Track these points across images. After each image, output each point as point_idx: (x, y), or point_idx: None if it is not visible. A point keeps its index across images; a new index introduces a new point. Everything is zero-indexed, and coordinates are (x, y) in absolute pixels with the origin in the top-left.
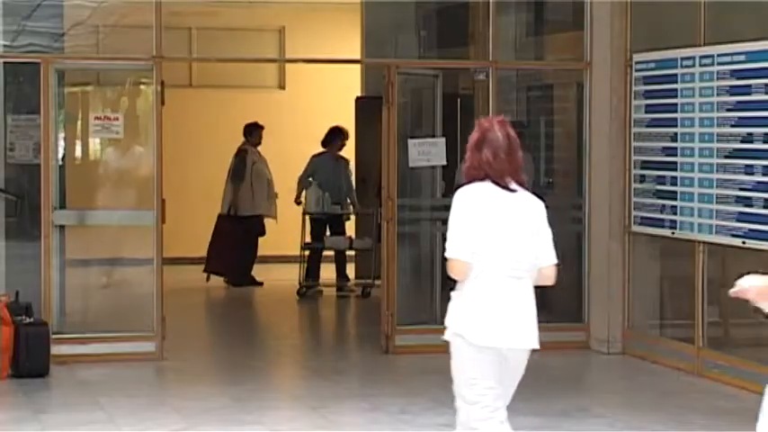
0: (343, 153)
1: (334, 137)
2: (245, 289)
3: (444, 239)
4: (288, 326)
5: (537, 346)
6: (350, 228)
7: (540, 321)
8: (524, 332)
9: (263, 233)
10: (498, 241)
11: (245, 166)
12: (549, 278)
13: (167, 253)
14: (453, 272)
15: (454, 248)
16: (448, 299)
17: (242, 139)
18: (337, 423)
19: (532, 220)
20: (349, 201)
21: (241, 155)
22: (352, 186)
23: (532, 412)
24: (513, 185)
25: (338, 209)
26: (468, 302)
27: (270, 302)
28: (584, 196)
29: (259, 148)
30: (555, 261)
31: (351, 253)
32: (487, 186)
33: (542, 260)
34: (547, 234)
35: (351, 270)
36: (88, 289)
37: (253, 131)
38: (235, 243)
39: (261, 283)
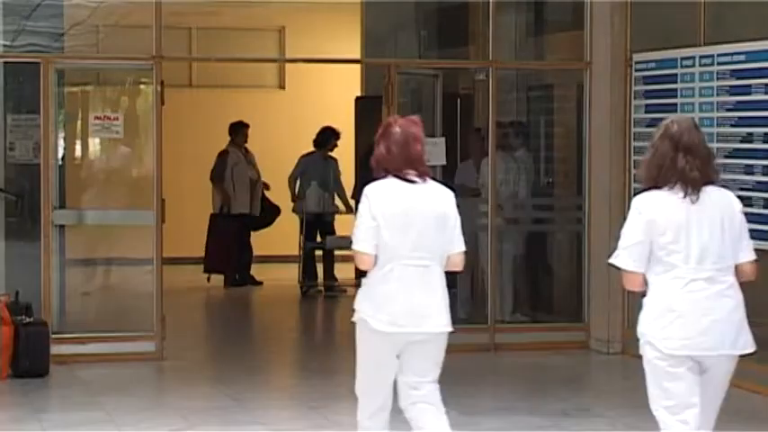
0: (343, 153)
1: (328, 137)
2: (244, 288)
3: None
4: (287, 325)
5: (443, 330)
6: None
7: (539, 321)
8: (429, 317)
9: (270, 222)
10: (400, 232)
11: (226, 167)
12: (457, 265)
13: (167, 253)
14: (359, 263)
15: (358, 242)
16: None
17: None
18: (337, 423)
19: (436, 210)
20: (339, 200)
21: (222, 156)
22: (342, 186)
23: (532, 412)
24: (413, 177)
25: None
26: (374, 290)
27: (269, 302)
28: (583, 196)
29: (247, 145)
30: (462, 249)
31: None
32: (390, 181)
33: (451, 248)
34: (454, 222)
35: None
36: (88, 288)
37: (237, 131)
38: (230, 241)
39: (260, 282)
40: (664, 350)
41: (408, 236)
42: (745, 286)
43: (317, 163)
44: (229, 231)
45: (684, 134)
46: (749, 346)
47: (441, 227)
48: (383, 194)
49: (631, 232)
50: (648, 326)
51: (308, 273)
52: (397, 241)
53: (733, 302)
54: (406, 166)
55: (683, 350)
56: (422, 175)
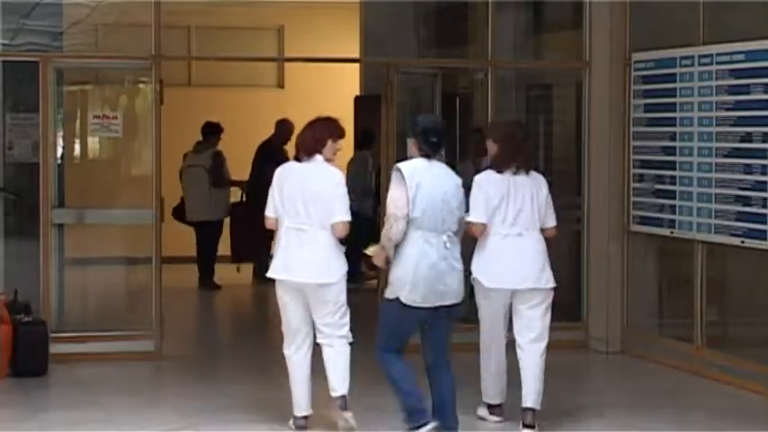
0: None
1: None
2: (242, 288)
3: None
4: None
5: (323, 281)
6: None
7: None
8: (310, 270)
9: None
10: (290, 202)
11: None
12: (339, 231)
13: (166, 252)
14: (267, 224)
15: (267, 208)
16: None
17: (241, 138)
18: (337, 422)
19: (320, 185)
20: None
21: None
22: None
23: None
24: (304, 158)
25: None
26: (275, 249)
27: (268, 301)
28: (583, 195)
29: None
30: (344, 218)
31: None
32: (292, 162)
33: (333, 217)
34: (336, 195)
35: None
36: (87, 288)
37: (214, 132)
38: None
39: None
40: (486, 284)
41: (295, 205)
42: (744, 286)
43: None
44: (254, 219)
45: (519, 132)
46: (550, 283)
47: (323, 199)
48: (282, 172)
49: (474, 200)
50: (478, 266)
51: None
52: (288, 209)
53: (536, 251)
54: (301, 150)
55: (501, 284)
56: (314, 157)
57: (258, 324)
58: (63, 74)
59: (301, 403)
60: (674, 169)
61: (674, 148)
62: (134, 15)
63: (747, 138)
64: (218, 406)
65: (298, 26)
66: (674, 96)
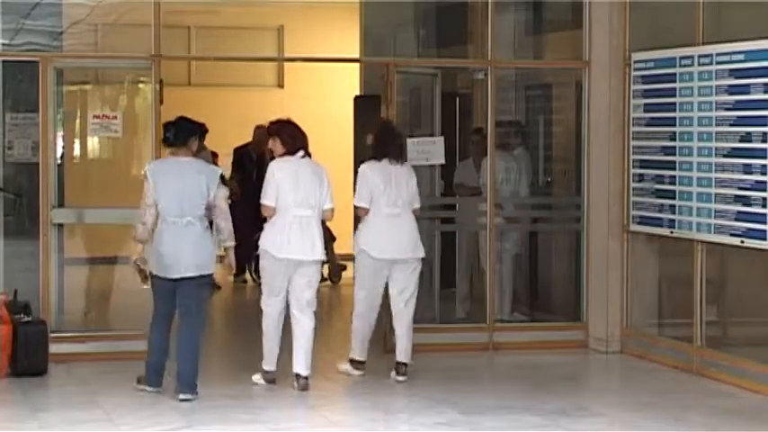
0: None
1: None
2: (241, 286)
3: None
4: (286, 324)
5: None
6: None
7: (538, 320)
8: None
9: None
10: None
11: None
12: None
13: None
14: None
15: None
16: (446, 297)
17: (240, 138)
18: (337, 422)
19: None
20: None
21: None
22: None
23: (530, 411)
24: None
25: None
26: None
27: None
28: (582, 195)
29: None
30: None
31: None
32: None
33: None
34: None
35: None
36: (87, 287)
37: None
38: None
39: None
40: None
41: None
42: (744, 286)
43: None
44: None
45: (392, 129)
46: (421, 253)
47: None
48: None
49: (358, 188)
50: (366, 241)
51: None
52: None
53: (411, 227)
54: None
55: (386, 255)
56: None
57: (258, 324)
58: (63, 73)
59: (273, 359)
60: (674, 169)
61: (674, 147)
62: (134, 15)
63: (747, 138)
64: (217, 405)
65: (298, 26)
66: (674, 96)
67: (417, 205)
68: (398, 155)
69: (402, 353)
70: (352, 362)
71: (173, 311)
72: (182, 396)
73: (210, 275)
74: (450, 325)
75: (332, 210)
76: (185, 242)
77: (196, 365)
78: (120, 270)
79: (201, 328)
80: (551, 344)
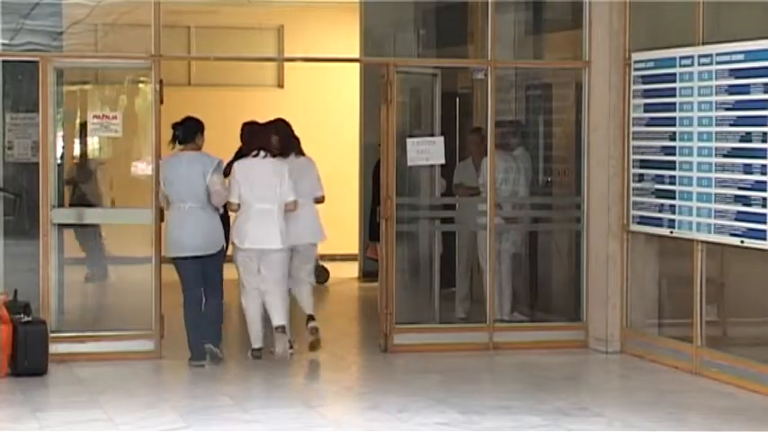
0: (343, 153)
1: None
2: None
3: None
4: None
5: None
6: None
7: (538, 320)
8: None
9: None
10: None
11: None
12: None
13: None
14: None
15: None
16: (446, 297)
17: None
18: (336, 422)
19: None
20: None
21: None
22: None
23: (530, 410)
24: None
25: None
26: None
27: None
28: (582, 195)
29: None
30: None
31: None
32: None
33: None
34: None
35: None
36: (87, 287)
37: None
38: None
39: None
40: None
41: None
42: (744, 286)
43: None
44: None
45: (261, 127)
46: (284, 244)
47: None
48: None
49: (231, 186)
50: (237, 234)
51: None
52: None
53: (278, 220)
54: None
55: (255, 245)
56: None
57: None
58: (63, 73)
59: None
60: (674, 169)
61: (674, 147)
62: (134, 15)
63: (747, 137)
64: (217, 405)
65: (297, 26)
66: (674, 96)
67: (291, 198)
68: (267, 150)
69: (277, 319)
70: (252, 350)
71: (197, 291)
72: (208, 345)
73: (219, 252)
74: (450, 325)
75: (294, 202)
76: (188, 225)
77: (219, 329)
78: (120, 270)
79: (220, 296)
80: (551, 344)
